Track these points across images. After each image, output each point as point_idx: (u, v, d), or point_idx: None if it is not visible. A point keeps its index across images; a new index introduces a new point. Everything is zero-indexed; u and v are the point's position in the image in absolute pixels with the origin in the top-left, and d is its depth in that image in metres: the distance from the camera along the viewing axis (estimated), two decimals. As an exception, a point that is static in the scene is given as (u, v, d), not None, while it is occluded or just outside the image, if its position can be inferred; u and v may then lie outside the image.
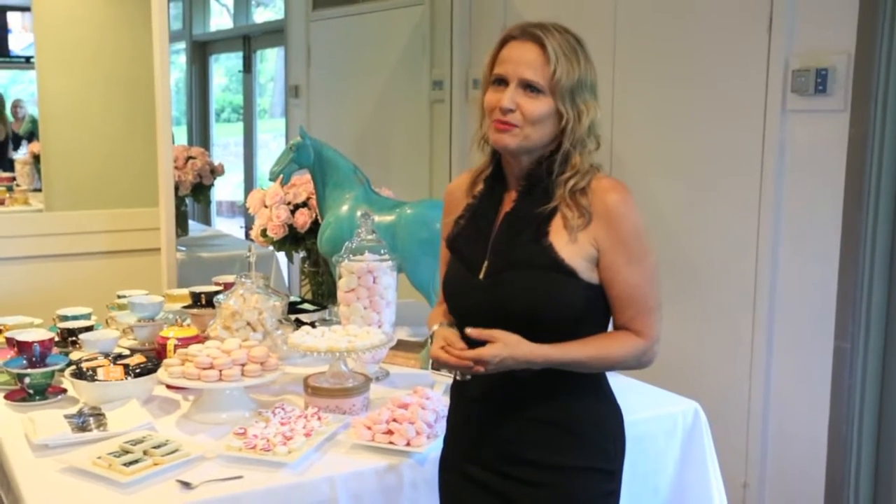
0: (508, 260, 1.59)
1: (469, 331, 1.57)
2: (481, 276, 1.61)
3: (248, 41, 7.20)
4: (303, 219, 2.88)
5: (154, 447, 1.80)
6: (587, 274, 1.56)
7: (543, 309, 1.55)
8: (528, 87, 1.55)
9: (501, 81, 1.57)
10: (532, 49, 1.56)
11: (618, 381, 1.73)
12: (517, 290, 1.56)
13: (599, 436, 1.63)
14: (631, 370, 1.67)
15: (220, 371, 2.02)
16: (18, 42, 7.07)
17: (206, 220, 7.16)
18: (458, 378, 1.64)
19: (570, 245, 1.55)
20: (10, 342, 2.25)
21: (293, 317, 2.60)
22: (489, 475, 1.64)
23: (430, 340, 1.68)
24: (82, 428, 1.94)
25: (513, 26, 1.61)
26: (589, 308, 1.57)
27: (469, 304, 1.64)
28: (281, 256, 3.92)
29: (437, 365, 1.64)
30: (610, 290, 1.57)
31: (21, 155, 5.63)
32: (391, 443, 1.87)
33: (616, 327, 1.62)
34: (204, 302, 2.61)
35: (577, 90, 1.56)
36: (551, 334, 1.55)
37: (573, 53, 1.56)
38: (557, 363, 1.55)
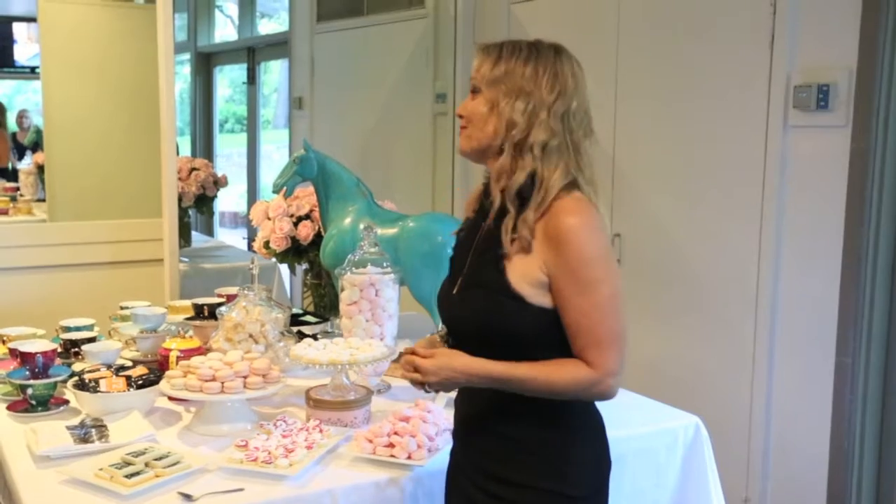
0: (472, 278, 1.62)
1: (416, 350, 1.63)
2: (455, 290, 1.65)
3: (252, 53, 7.23)
4: (305, 231, 2.88)
5: (156, 459, 1.80)
6: (536, 299, 1.52)
7: (491, 331, 1.55)
8: (473, 90, 1.61)
9: None
10: (477, 58, 1.61)
11: (619, 396, 1.71)
12: (471, 309, 1.58)
13: (557, 458, 1.58)
14: (583, 400, 1.58)
15: (222, 383, 2.02)
16: (24, 52, 7.10)
17: (209, 232, 7.18)
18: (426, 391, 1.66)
19: (516, 270, 1.53)
20: (13, 353, 2.25)
21: (295, 329, 2.60)
22: (472, 488, 1.66)
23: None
24: (84, 439, 1.94)
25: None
26: (542, 333, 1.54)
27: (446, 317, 1.70)
28: (283, 268, 3.92)
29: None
30: (562, 316, 1.52)
31: (25, 165, 5.64)
32: (392, 456, 1.87)
33: (574, 356, 1.55)
34: (206, 314, 2.61)
35: (503, 82, 1.55)
36: (505, 357, 1.54)
37: (511, 52, 1.57)
38: (497, 379, 1.53)
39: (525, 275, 1.53)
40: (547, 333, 1.54)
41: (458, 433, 1.74)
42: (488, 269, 1.57)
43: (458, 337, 1.64)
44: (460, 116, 1.63)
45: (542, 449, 1.59)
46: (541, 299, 1.52)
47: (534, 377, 1.52)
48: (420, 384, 1.60)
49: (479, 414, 1.64)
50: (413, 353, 1.62)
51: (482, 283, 1.58)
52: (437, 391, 1.64)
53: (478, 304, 1.57)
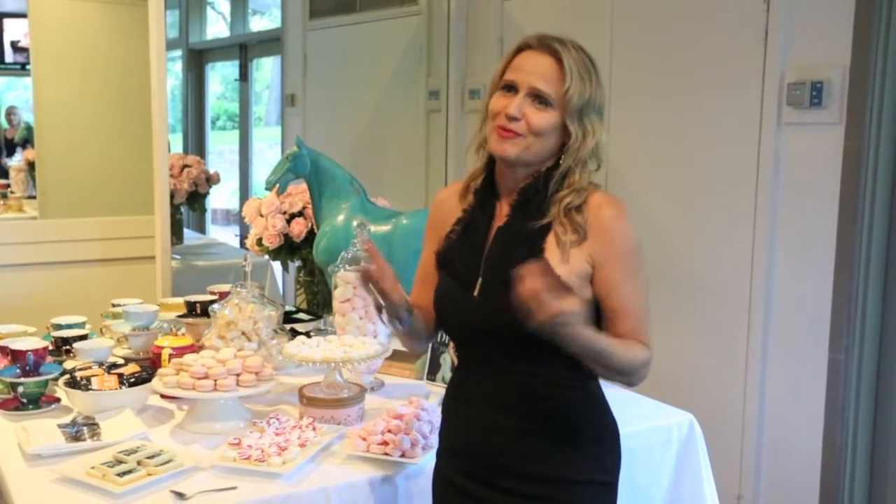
0: (504, 277, 1.53)
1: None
2: (475, 292, 1.60)
3: (244, 49, 7.20)
4: (298, 228, 2.87)
5: (148, 457, 1.79)
6: (581, 291, 1.53)
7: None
8: (538, 98, 1.54)
9: (511, 88, 1.56)
10: (548, 61, 1.55)
11: (613, 393, 1.72)
12: (512, 308, 1.53)
13: (598, 447, 1.62)
14: (628, 380, 1.60)
15: (215, 381, 2.01)
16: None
17: (201, 229, 7.16)
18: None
19: (564, 263, 1.53)
20: (4, 351, 2.24)
21: (288, 326, 2.60)
22: (481, 488, 1.62)
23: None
24: (76, 437, 1.93)
25: (531, 35, 1.60)
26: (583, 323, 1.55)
27: (464, 321, 1.63)
28: (276, 266, 3.92)
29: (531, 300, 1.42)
30: (606, 303, 1.55)
31: (16, 162, 5.61)
32: (386, 454, 1.86)
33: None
34: (199, 311, 2.60)
35: (586, 110, 1.56)
36: (544, 351, 1.51)
37: (587, 73, 1.56)
38: (588, 345, 1.46)
39: (574, 268, 1.53)
40: (587, 324, 1.52)
41: (466, 436, 1.65)
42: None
43: (478, 341, 1.59)
44: (514, 119, 1.53)
45: (584, 440, 1.59)
46: (584, 291, 1.54)
47: (618, 351, 1.50)
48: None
49: (507, 412, 1.59)
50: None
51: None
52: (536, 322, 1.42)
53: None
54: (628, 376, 1.58)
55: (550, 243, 1.55)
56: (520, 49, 1.59)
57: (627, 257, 1.55)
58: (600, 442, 1.62)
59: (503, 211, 1.62)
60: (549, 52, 1.55)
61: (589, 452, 1.60)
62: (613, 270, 1.54)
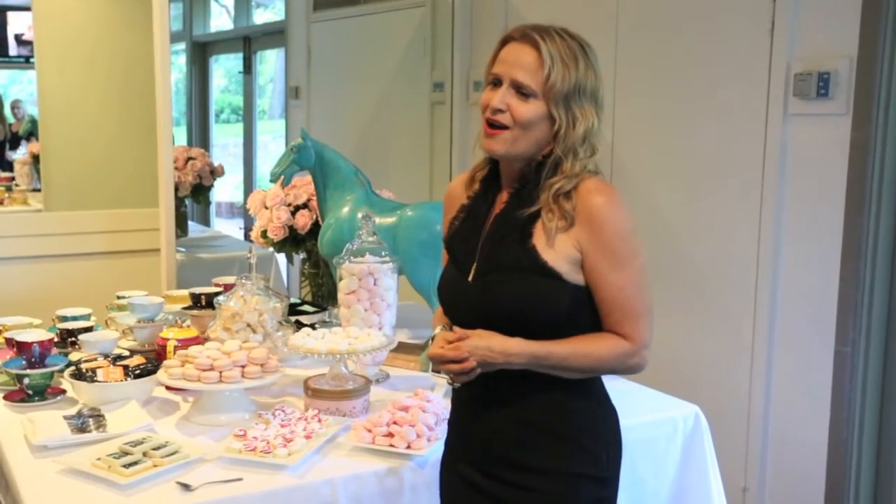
0: (495, 262, 1.59)
1: (455, 329, 1.60)
2: (470, 277, 1.62)
3: (248, 42, 7.20)
4: (303, 220, 2.87)
5: (154, 449, 1.80)
6: (572, 276, 1.54)
7: (529, 311, 1.55)
8: (520, 89, 1.55)
9: (497, 82, 1.58)
10: (528, 52, 1.55)
11: (618, 385, 1.73)
12: (503, 292, 1.56)
13: (592, 443, 1.61)
14: (618, 374, 1.64)
15: (220, 372, 2.01)
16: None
17: (206, 221, 7.16)
18: (449, 384, 1.65)
19: (549, 249, 1.54)
20: (10, 342, 2.24)
21: (293, 318, 2.60)
22: (482, 477, 1.63)
23: (430, 342, 1.67)
24: (82, 429, 1.93)
25: (514, 28, 1.60)
26: (576, 309, 1.56)
27: (459, 305, 1.65)
28: (281, 258, 3.91)
29: (436, 365, 1.64)
30: (595, 293, 1.55)
31: (20, 155, 5.62)
32: (391, 445, 1.86)
33: (604, 331, 1.59)
34: (204, 303, 2.61)
35: (574, 96, 1.55)
36: (539, 337, 1.55)
37: (572, 59, 1.55)
38: (537, 356, 1.53)
39: (561, 253, 1.53)
40: (580, 311, 1.56)
41: (467, 425, 1.68)
42: (516, 251, 1.56)
43: (474, 326, 1.60)
44: (499, 111, 1.56)
45: (578, 434, 1.59)
46: (575, 276, 1.54)
47: (574, 352, 1.54)
48: (454, 372, 1.57)
49: (505, 403, 1.60)
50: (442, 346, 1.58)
51: (513, 265, 1.56)
52: (461, 382, 1.59)
53: (510, 286, 1.56)
54: (606, 372, 1.61)
55: (539, 229, 1.56)
56: (504, 42, 1.60)
57: (615, 245, 1.53)
58: (594, 436, 1.61)
59: (502, 199, 1.64)
60: (529, 43, 1.56)
61: (581, 447, 1.59)
62: (600, 259, 1.53)
